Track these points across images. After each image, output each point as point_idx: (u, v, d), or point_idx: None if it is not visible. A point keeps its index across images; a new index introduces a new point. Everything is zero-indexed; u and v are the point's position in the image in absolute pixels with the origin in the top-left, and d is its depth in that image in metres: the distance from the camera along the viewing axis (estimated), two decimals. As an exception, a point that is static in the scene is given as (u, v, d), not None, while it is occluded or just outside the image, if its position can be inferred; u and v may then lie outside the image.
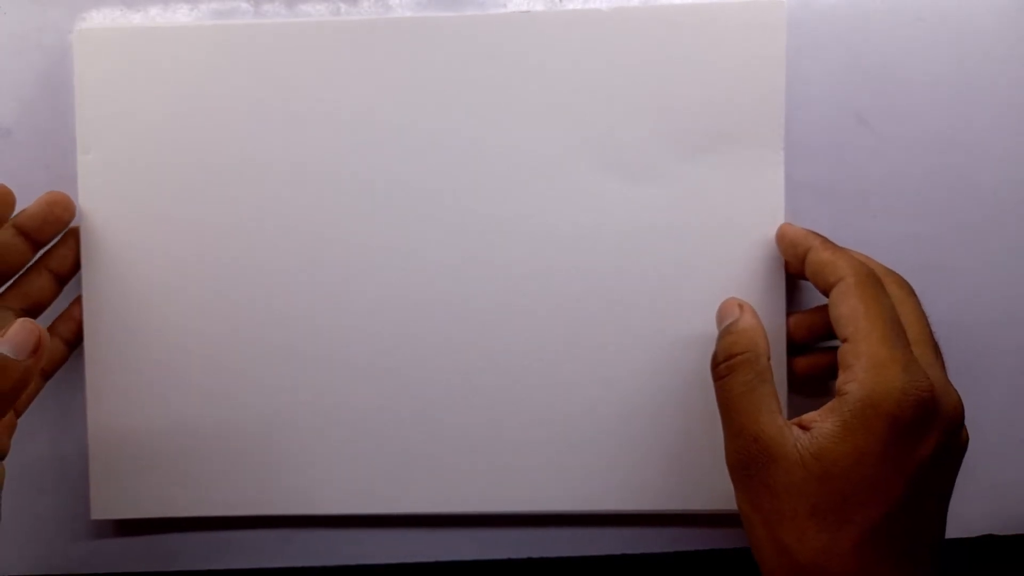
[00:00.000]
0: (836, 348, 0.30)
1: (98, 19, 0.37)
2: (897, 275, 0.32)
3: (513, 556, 0.36)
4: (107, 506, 0.36)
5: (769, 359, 0.30)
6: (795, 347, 0.35)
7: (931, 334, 0.30)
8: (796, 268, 0.33)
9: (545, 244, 0.35)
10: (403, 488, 0.35)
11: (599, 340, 0.35)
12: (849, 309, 0.29)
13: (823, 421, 0.27)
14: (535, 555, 0.36)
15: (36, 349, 0.30)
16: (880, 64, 0.36)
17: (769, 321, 0.34)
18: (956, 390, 0.28)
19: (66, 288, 0.36)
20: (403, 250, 0.35)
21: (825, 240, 0.32)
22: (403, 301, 0.35)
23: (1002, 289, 0.36)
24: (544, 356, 0.35)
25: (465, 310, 0.35)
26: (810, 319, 0.35)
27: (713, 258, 0.35)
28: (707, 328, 0.34)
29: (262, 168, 0.35)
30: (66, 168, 0.37)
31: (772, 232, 0.34)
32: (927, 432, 0.27)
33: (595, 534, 0.36)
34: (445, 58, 0.35)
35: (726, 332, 0.32)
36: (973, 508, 0.36)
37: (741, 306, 0.32)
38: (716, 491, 0.35)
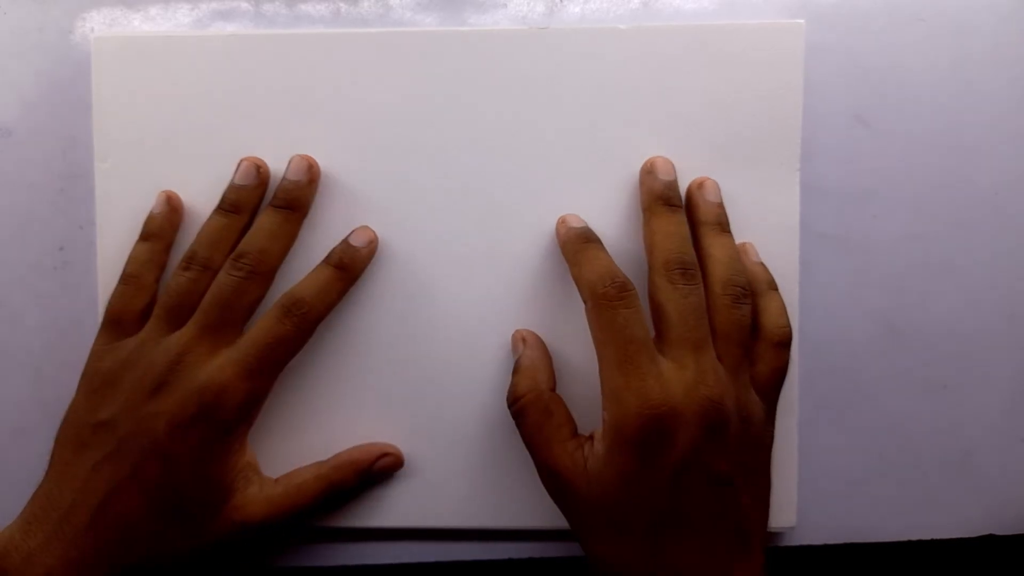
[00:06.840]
0: None
1: (98, 19, 0.37)
2: (680, 259, 0.31)
3: (514, 556, 0.36)
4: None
5: (553, 387, 0.33)
6: None
7: (696, 324, 0.30)
8: None
9: (561, 262, 0.34)
10: (409, 501, 0.35)
11: None
12: (592, 333, 0.31)
13: (599, 442, 0.30)
14: (536, 555, 0.36)
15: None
16: (880, 64, 0.36)
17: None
18: (716, 373, 0.30)
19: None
20: (413, 263, 0.35)
21: (577, 252, 0.32)
22: (413, 314, 0.35)
23: (1002, 289, 0.36)
24: (563, 376, 0.34)
25: (477, 326, 0.35)
26: None
27: None
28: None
29: (279, 178, 0.35)
30: (66, 168, 0.37)
31: (786, 250, 0.35)
32: (673, 437, 0.29)
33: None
34: (461, 72, 0.35)
35: (513, 371, 0.33)
36: (973, 508, 0.36)
37: (524, 339, 0.34)
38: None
